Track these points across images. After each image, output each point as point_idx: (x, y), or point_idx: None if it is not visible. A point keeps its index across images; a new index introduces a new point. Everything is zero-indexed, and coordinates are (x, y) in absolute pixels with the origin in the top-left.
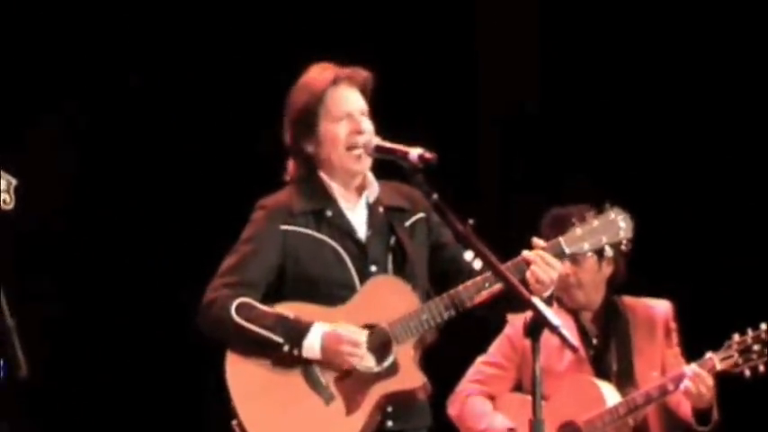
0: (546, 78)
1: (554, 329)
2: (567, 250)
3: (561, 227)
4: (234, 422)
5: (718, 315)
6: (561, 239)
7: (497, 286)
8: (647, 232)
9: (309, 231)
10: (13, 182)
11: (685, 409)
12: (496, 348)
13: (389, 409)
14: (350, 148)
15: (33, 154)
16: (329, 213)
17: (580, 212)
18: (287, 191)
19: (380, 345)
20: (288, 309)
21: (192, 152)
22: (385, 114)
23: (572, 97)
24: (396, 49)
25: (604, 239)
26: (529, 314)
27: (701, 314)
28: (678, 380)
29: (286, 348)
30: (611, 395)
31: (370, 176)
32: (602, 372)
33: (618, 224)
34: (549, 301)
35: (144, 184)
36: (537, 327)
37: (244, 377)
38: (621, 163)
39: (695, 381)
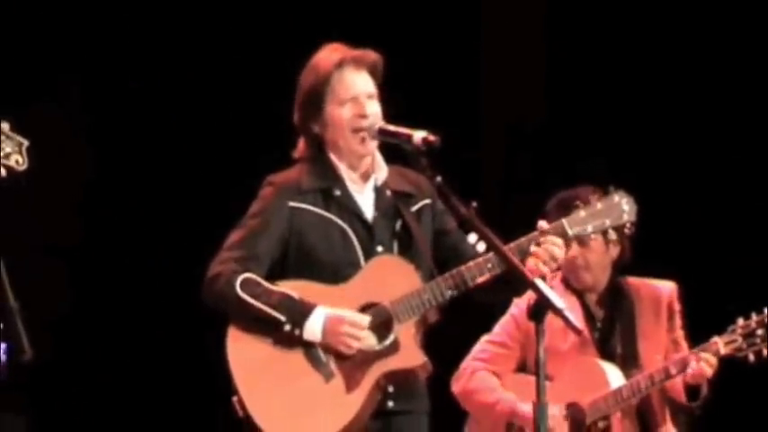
0: (551, 82)
1: (558, 312)
2: (571, 232)
3: (566, 209)
4: (234, 398)
5: (723, 298)
6: (564, 221)
7: (499, 268)
8: (651, 219)
9: (317, 209)
10: (25, 143)
11: (678, 387)
12: (501, 327)
13: (390, 389)
14: (355, 130)
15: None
16: (337, 193)
17: (585, 194)
18: (296, 168)
19: (382, 323)
20: (292, 287)
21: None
22: (391, 118)
23: (577, 100)
24: (401, 52)
25: (608, 222)
26: (533, 296)
27: (706, 297)
28: (681, 363)
29: (287, 328)
30: (615, 377)
31: (380, 160)
32: (606, 353)
33: (621, 207)
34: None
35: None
36: (540, 309)
37: (245, 353)
38: (625, 164)
39: (699, 361)
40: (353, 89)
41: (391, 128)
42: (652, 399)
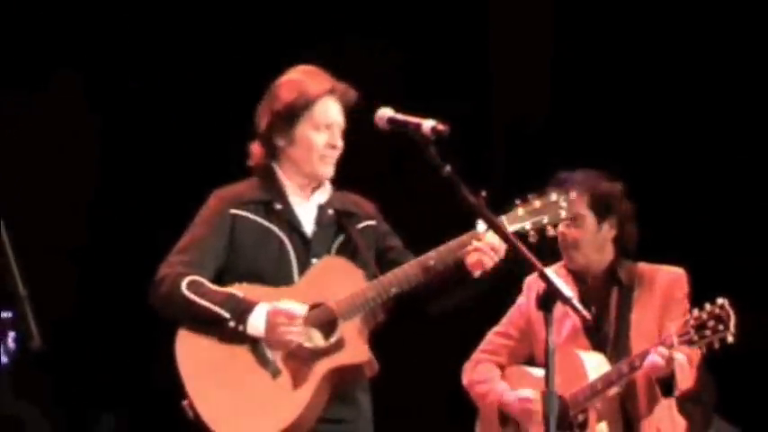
0: (556, 86)
1: (566, 301)
2: (509, 229)
3: (559, 187)
4: (185, 402)
5: (729, 290)
6: (503, 218)
7: (442, 264)
8: (655, 231)
9: (257, 218)
10: None
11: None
12: (507, 318)
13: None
14: (322, 157)
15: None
16: (279, 206)
17: (587, 176)
18: (243, 182)
19: (327, 322)
20: (238, 289)
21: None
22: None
23: (582, 96)
24: (409, 53)
25: (545, 219)
26: (542, 286)
27: (712, 289)
28: (642, 355)
29: (232, 324)
30: (593, 369)
31: (326, 182)
32: (598, 342)
33: (559, 204)
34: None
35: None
36: (550, 298)
37: (193, 355)
38: (628, 167)
39: (657, 355)
40: (332, 118)
41: (400, 117)
42: (637, 390)
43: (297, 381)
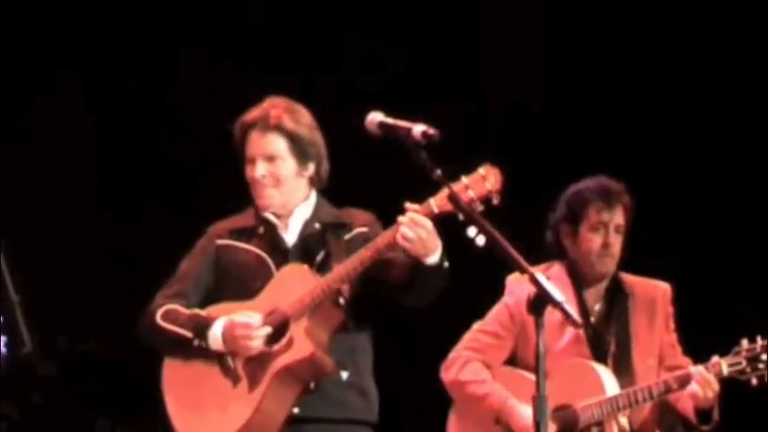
0: (549, 82)
1: (557, 305)
2: (436, 210)
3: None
4: None
5: (720, 299)
6: (432, 200)
7: (375, 251)
8: (652, 229)
9: (240, 244)
10: None
11: (684, 405)
12: (494, 317)
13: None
14: (254, 189)
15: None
16: (261, 230)
17: (598, 183)
18: (241, 213)
19: (280, 325)
20: (211, 309)
21: None
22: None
23: (575, 99)
24: (402, 48)
25: (472, 193)
26: (532, 289)
27: (702, 297)
28: (683, 380)
29: (196, 342)
30: (610, 384)
31: (312, 197)
32: (599, 352)
33: (488, 179)
34: (439, 268)
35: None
36: (540, 302)
37: (170, 377)
38: (626, 165)
39: (702, 384)
40: (252, 150)
41: (390, 121)
42: (649, 428)
43: (252, 384)
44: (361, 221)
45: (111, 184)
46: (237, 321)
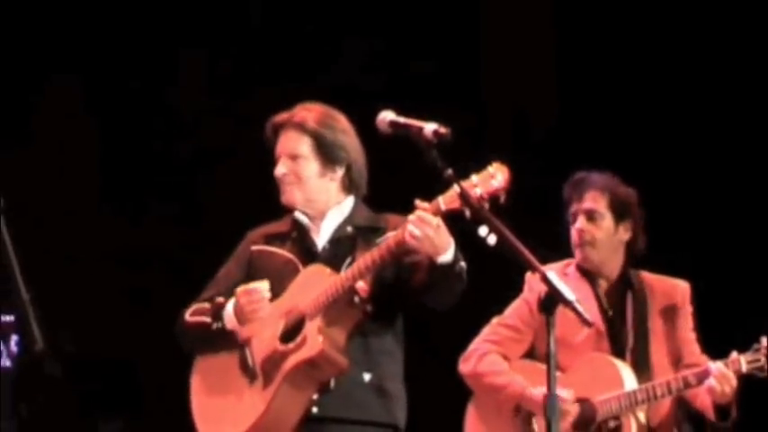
0: (561, 77)
1: (568, 304)
2: (444, 207)
3: (577, 189)
4: None
5: (737, 298)
6: (440, 198)
7: (387, 249)
8: (664, 234)
9: (276, 250)
10: None
11: (702, 401)
12: (514, 311)
13: (315, 396)
14: (280, 186)
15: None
16: (294, 234)
17: (606, 177)
18: (279, 220)
19: (296, 323)
20: None
21: None
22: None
23: (588, 94)
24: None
25: (479, 191)
26: (543, 288)
27: (719, 296)
28: (702, 376)
29: (214, 326)
30: (629, 379)
31: (347, 203)
32: (617, 347)
33: (496, 177)
34: (452, 267)
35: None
36: (551, 301)
37: (199, 378)
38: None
39: (720, 380)
40: (278, 149)
41: (402, 120)
42: (668, 425)
43: (266, 382)
44: (393, 226)
45: (113, 184)
46: (245, 288)
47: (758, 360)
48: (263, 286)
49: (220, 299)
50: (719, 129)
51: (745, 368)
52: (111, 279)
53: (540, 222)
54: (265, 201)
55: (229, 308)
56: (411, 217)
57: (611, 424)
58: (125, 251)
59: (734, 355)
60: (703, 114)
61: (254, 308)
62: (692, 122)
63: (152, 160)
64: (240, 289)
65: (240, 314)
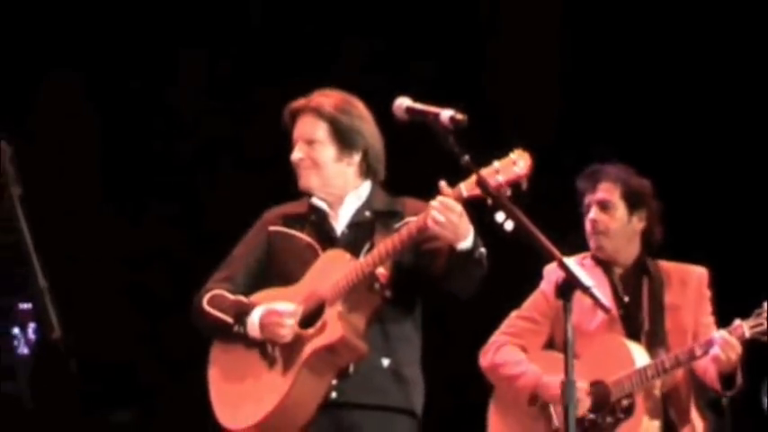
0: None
1: (586, 290)
2: (465, 194)
3: (591, 180)
4: None
5: (755, 285)
6: (462, 185)
7: (407, 234)
8: (681, 206)
9: (292, 231)
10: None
11: (711, 375)
12: (531, 303)
13: (334, 381)
14: (296, 171)
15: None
16: (312, 218)
17: (619, 168)
18: (296, 201)
19: (316, 309)
20: (256, 295)
21: None
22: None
23: (594, 88)
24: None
25: (501, 178)
26: (561, 274)
27: (737, 284)
28: (707, 345)
29: (236, 328)
30: (640, 356)
31: (365, 187)
32: (633, 331)
33: (518, 164)
34: (471, 253)
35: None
36: (568, 287)
37: (218, 362)
38: (647, 150)
39: (724, 347)
40: (295, 133)
41: (419, 106)
42: (680, 391)
43: (285, 369)
44: (411, 210)
45: (113, 184)
46: (273, 309)
47: (761, 324)
48: (292, 310)
49: (244, 299)
50: (720, 128)
51: (748, 333)
52: (111, 279)
53: (544, 223)
54: (265, 201)
55: (255, 318)
56: (434, 203)
57: (625, 402)
58: (125, 251)
59: (737, 322)
60: (703, 115)
61: (280, 332)
62: (695, 121)
63: (152, 160)
64: (273, 308)
65: (265, 330)
